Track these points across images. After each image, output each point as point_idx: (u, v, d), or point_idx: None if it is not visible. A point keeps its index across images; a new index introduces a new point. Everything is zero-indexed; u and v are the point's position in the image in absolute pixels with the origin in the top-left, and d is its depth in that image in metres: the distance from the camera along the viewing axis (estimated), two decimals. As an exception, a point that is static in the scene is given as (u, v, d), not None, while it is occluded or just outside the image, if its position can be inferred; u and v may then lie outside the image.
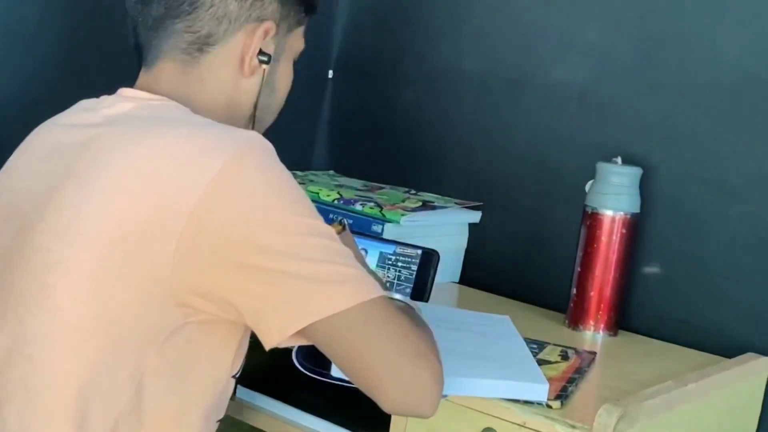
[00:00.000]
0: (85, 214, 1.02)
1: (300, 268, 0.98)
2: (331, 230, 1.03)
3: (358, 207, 1.70)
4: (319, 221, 1.03)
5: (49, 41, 1.61)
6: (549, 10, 1.74)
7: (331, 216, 1.72)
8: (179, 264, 0.98)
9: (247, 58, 1.15)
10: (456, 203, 1.80)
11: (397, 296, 1.13)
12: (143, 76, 1.17)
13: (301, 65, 1.28)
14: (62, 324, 1.01)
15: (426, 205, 1.75)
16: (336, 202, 1.74)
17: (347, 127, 2.07)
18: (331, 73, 2.06)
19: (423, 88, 1.92)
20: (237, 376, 1.15)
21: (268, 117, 1.24)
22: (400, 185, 1.91)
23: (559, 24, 1.73)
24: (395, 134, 1.96)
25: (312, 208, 1.04)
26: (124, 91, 1.16)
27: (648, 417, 1.16)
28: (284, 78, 1.23)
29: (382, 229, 1.66)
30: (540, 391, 1.16)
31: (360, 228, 1.66)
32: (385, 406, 1.02)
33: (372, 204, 1.71)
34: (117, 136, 1.07)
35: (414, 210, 1.70)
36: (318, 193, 1.76)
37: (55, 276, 1.02)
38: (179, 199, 0.98)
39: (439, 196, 1.84)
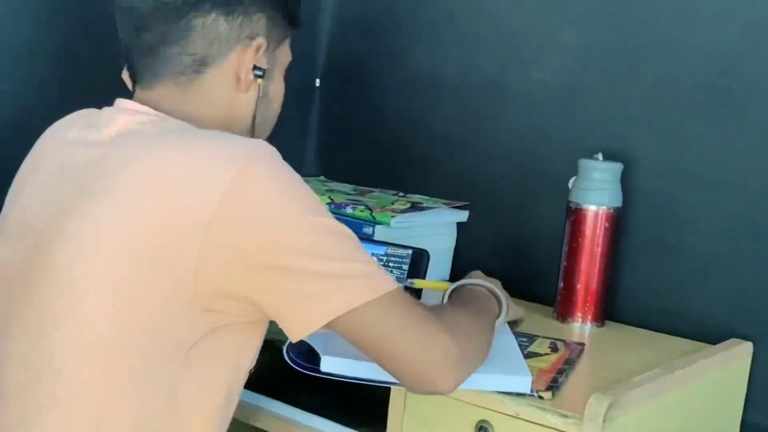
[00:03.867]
0: (104, 230, 1.03)
1: (319, 266, 1.02)
2: (343, 227, 1.07)
3: (349, 210, 1.71)
4: (332, 219, 1.06)
5: (42, 58, 1.62)
6: (528, 14, 1.76)
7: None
8: (202, 272, 1.01)
9: (242, 74, 1.17)
10: (444, 204, 1.80)
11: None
12: (141, 94, 1.17)
13: (288, 75, 1.30)
14: (90, 338, 1.03)
15: (415, 207, 1.75)
16: (328, 206, 1.73)
17: (336, 133, 2.08)
18: (318, 82, 2.07)
19: (408, 92, 1.93)
20: (252, 370, 1.18)
21: (266, 129, 1.26)
22: (389, 188, 1.91)
23: (537, 27, 1.74)
24: (383, 139, 1.97)
25: (324, 207, 1.08)
26: (123, 103, 1.17)
27: (637, 404, 1.18)
28: (278, 90, 1.25)
29: (373, 231, 1.66)
30: (523, 383, 1.18)
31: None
32: (408, 388, 1.10)
33: (362, 207, 1.71)
34: (129, 152, 1.08)
35: (403, 212, 1.70)
36: (309, 199, 1.78)
37: (80, 292, 1.03)
38: (197, 209, 1.01)
39: (428, 198, 1.84)
